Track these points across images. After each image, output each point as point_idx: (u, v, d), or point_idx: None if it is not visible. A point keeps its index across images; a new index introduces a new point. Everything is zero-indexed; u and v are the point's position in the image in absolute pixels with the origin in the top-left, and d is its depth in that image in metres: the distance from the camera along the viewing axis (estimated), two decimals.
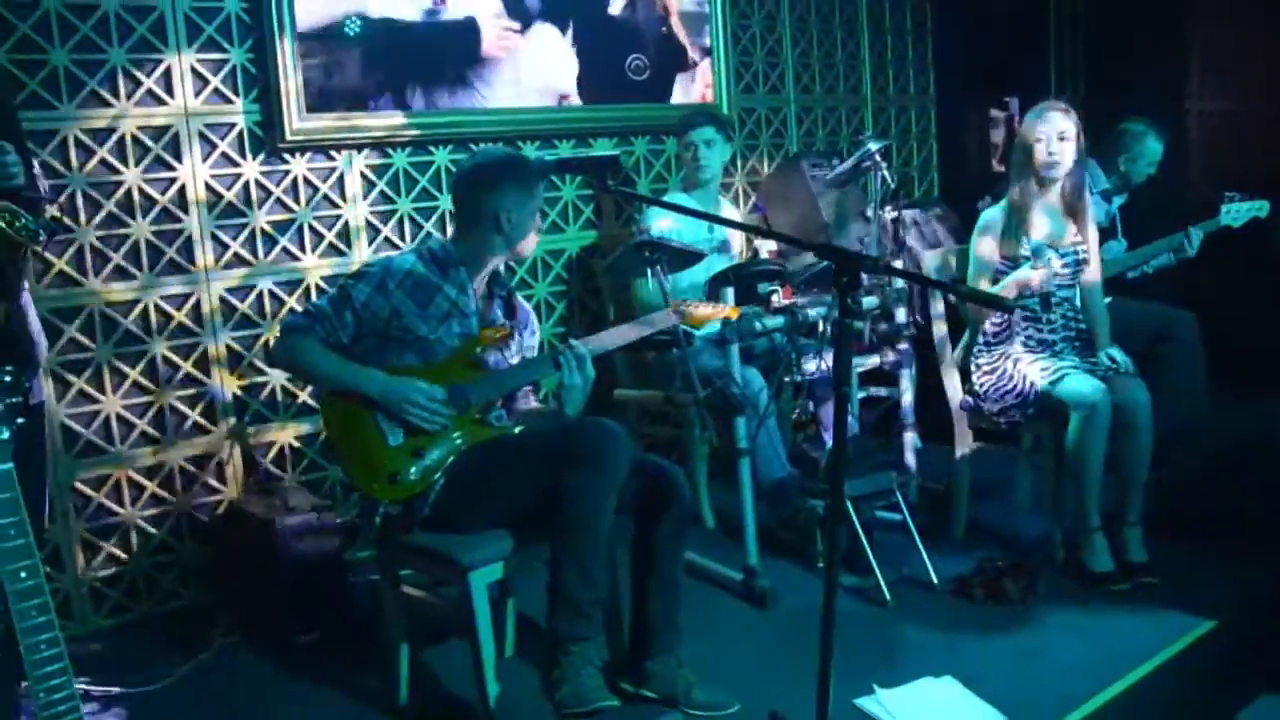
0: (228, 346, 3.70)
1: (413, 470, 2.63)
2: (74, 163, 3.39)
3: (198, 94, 3.59)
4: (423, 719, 2.86)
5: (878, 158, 3.76)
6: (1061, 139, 3.49)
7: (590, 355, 2.75)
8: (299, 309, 3.05)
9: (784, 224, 4.75)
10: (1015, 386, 3.50)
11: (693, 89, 4.76)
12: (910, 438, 4.02)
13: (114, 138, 3.45)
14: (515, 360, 2.89)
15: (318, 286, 3.85)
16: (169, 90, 3.53)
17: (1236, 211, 4.18)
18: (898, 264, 3.89)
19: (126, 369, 3.52)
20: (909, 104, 5.91)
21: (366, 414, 2.64)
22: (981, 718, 2.68)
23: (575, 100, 4.39)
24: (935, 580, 3.43)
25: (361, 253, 3.93)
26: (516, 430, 2.81)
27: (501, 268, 2.93)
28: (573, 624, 2.50)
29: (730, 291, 3.37)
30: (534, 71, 4.27)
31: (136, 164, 3.49)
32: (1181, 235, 4.21)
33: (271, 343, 3.66)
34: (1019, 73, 5.68)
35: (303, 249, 3.83)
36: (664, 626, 2.79)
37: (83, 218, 3.41)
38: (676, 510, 2.75)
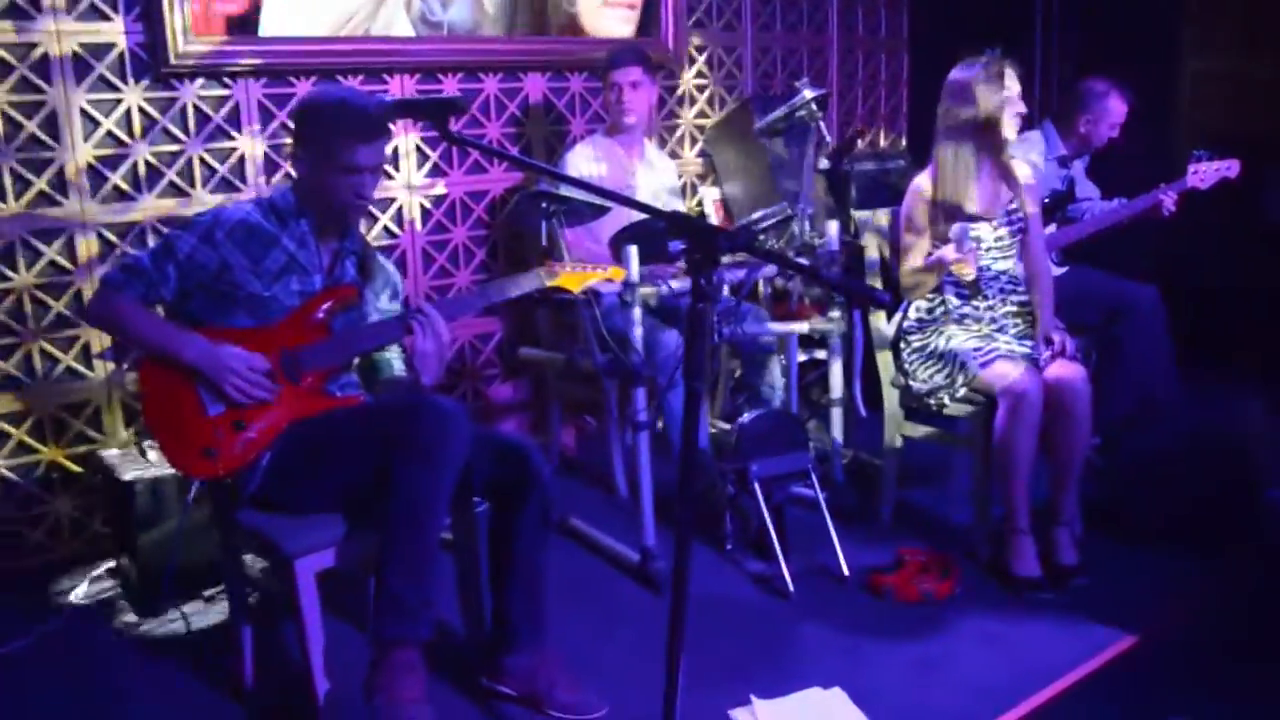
0: None
1: (235, 445, 2.36)
2: None
3: (69, 10, 3.27)
4: (262, 707, 2.62)
5: (814, 106, 3.43)
6: (1021, 99, 3.19)
7: (445, 319, 2.48)
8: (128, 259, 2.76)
9: (730, 173, 4.45)
10: (944, 366, 3.22)
11: None
12: (837, 411, 3.72)
13: None
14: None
15: None
16: (35, 4, 3.22)
17: (1204, 172, 3.83)
18: (833, 224, 3.56)
19: None
20: (878, 48, 5.53)
21: (187, 379, 2.37)
22: None
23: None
24: (846, 571, 3.17)
25: (257, 188, 3.64)
26: (361, 399, 2.54)
27: (362, 223, 2.63)
28: (397, 624, 2.23)
29: (633, 250, 3.08)
30: None
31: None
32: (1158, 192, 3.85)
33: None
34: (1002, 20, 5.28)
35: (191, 184, 3.54)
36: (524, 622, 2.54)
37: None
38: (536, 497, 2.48)
